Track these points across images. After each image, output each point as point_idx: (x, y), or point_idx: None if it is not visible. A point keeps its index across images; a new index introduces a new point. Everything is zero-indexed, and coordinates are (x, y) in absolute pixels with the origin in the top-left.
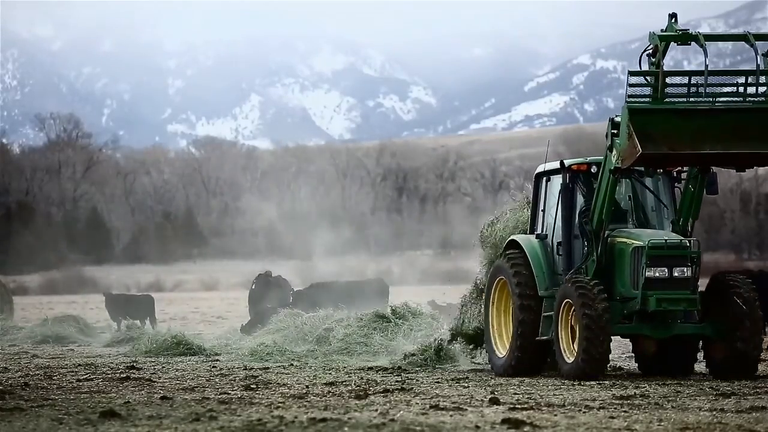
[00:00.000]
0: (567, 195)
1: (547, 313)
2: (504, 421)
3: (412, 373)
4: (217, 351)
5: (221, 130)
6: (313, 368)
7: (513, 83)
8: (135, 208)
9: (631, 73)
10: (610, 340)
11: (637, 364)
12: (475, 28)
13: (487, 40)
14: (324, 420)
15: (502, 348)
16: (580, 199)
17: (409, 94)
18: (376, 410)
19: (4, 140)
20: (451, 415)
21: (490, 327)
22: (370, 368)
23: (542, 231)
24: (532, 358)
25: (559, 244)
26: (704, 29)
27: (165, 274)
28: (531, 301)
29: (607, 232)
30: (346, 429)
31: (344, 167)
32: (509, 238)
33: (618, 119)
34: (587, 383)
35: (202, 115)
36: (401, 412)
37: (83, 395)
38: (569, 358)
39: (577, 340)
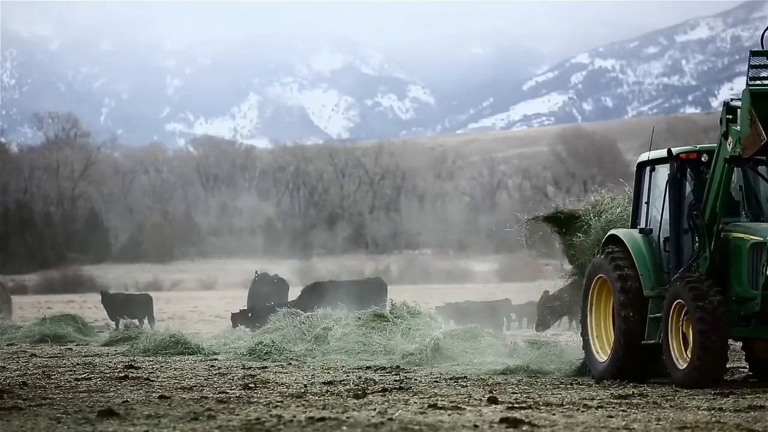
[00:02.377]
0: (675, 186)
1: (654, 315)
2: (502, 420)
3: (411, 372)
4: (216, 350)
5: (219, 129)
6: (311, 367)
7: (511, 82)
8: (133, 208)
9: (754, 54)
10: (728, 345)
11: (747, 368)
12: (473, 27)
13: (486, 40)
14: (322, 419)
15: (602, 352)
16: (688, 190)
17: (408, 93)
18: (375, 409)
19: (3, 139)
20: (449, 415)
21: (589, 329)
22: (369, 367)
23: (646, 225)
24: (637, 362)
25: (666, 239)
26: (703, 28)
27: (163, 273)
28: (635, 302)
29: (720, 225)
30: (344, 428)
31: (343, 166)
32: (608, 233)
33: (734, 103)
34: (585, 382)
35: (200, 114)
36: (399, 411)
37: (81, 394)
38: (681, 365)
39: (690, 344)
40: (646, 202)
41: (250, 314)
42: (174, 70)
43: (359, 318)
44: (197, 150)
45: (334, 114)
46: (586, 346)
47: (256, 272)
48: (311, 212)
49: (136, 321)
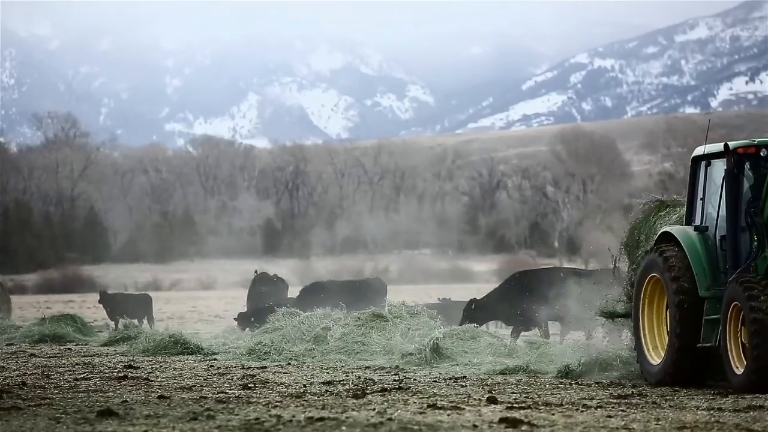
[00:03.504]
0: (732, 182)
1: (709, 317)
2: (501, 420)
3: (410, 372)
4: (215, 350)
5: (219, 129)
6: (310, 367)
7: (511, 82)
8: (132, 207)
9: None
10: None
11: None
12: (472, 27)
13: (485, 39)
14: (321, 419)
15: (655, 354)
16: (746, 186)
17: (407, 93)
18: (374, 409)
19: (2, 139)
20: (448, 415)
21: (641, 330)
22: (368, 367)
23: (701, 222)
24: (693, 366)
25: (722, 237)
26: (702, 28)
27: (162, 272)
28: (690, 303)
29: None
30: (343, 428)
31: (342, 166)
32: (661, 230)
33: None
34: (585, 383)
35: (199, 114)
36: (399, 411)
37: (81, 394)
38: (739, 369)
39: (747, 348)
40: (701, 199)
41: (252, 318)
42: (173, 70)
43: (358, 318)
44: (197, 150)
45: (333, 114)
46: (638, 348)
47: (255, 272)
48: (311, 212)
49: (135, 321)
